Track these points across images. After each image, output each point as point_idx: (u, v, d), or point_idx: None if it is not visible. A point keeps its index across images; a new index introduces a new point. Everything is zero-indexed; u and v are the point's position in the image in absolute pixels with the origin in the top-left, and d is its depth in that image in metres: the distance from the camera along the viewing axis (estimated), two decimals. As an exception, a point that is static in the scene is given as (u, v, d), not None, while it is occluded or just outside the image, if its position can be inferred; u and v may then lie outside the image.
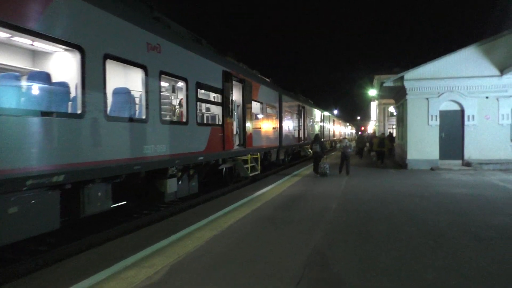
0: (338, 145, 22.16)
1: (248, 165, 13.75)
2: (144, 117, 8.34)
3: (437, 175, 16.54)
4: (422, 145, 19.23)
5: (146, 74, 8.37)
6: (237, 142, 14.54)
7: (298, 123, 26.09)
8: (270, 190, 12.94)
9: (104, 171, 7.07)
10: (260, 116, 16.97)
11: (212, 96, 13.00)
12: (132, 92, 8.35)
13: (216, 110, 13.05)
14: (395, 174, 17.70)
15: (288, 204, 10.33)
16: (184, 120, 10.16)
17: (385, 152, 23.30)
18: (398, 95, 23.43)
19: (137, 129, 8.07)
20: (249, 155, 14.00)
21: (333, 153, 36.38)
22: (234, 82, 14.00)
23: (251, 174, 13.97)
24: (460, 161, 18.95)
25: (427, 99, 19.16)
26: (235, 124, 14.30)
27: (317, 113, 37.03)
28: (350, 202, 10.56)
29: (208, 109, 13.24)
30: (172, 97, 10.53)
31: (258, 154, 15.05)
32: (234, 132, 14.40)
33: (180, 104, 10.75)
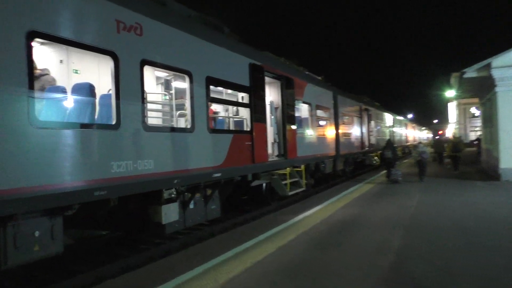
0: (413, 152, 20.87)
1: (287, 181, 10.99)
2: (113, 122, 6.00)
3: (546, 190, 12.48)
4: (521, 149, 15.04)
5: (116, 63, 6.05)
6: (275, 152, 11.84)
7: (361, 128, 22.68)
8: (316, 213, 10.06)
9: (30, 202, 4.78)
10: (307, 120, 14.11)
11: (235, 95, 10.51)
12: (93, 89, 6.07)
13: (242, 113, 10.49)
14: (485, 188, 13.80)
15: (332, 238, 7.42)
16: (188, 125, 7.71)
17: (460, 157, 20.95)
18: (483, 89, 19.17)
19: (99, 139, 5.74)
20: (288, 168, 11.23)
21: (405, 161, 32.11)
22: (268, 79, 11.37)
23: (291, 193, 11.19)
24: None
25: (525, 90, 15.00)
26: (271, 130, 11.63)
27: (386, 116, 33.09)
28: (421, 236, 7.37)
29: (229, 112, 10.76)
30: (167, 95, 8.13)
31: (302, 166, 12.21)
32: (272, 140, 11.73)
33: (180, 105, 8.32)
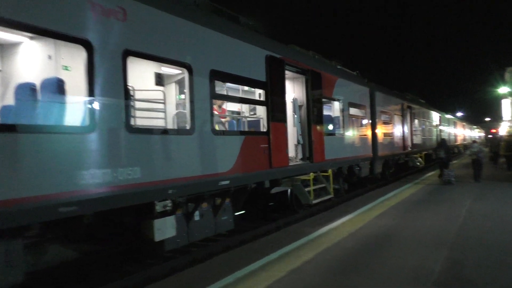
0: (468, 151, 20.36)
1: (311, 188, 9.73)
2: (86, 123, 5.08)
3: None
4: None
5: (90, 53, 5.14)
6: (299, 155, 10.62)
7: (403, 127, 20.85)
8: (344, 224, 8.77)
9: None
10: (338, 119, 12.75)
11: (248, 92, 9.42)
12: (61, 85, 5.17)
13: (257, 112, 9.39)
14: (549, 194, 11.86)
15: (357, 260, 6.14)
16: (187, 126, 6.70)
17: None
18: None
19: (65, 144, 4.82)
20: (311, 173, 9.94)
21: (454, 161, 29.65)
22: (290, 73, 10.20)
23: (315, 201, 9.91)
24: None
25: None
26: (294, 130, 10.42)
27: (433, 114, 30.78)
28: (470, 258, 5.93)
29: (241, 111, 9.67)
30: (160, 92, 7.10)
31: (330, 171, 10.87)
32: (295, 142, 10.53)
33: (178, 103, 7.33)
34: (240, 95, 9.36)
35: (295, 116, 10.54)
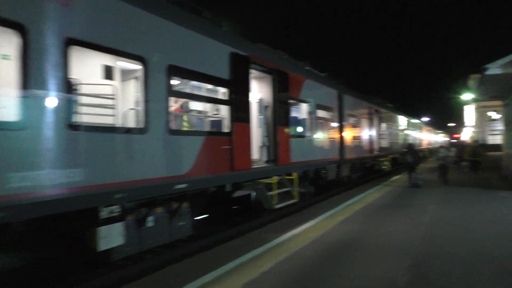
0: (435, 156, 21.61)
1: (274, 192, 9.38)
2: (17, 118, 4.49)
3: None
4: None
5: (25, 39, 4.56)
6: (264, 158, 10.23)
7: (371, 130, 20.91)
8: (307, 230, 8.45)
9: None
10: (305, 120, 12.46)
11: (210, 90, 8.99)
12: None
13: (219, 112, 8.94)
14: (509, 199, 11.96)
15: (317, 270, 5.80)
16: (139, 125, 6.18)
17: (480, 162, 20.83)
18: (506, 88, 17.28)
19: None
20: (275, 177, 9.59)
21: (421, 165, 30.11)
22: (257, 73, 9.80)
23: (278, 206, 9.57)
24: None
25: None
26: (259, 132, 10.05)
27: (399, 118, 31.20)
28: (435, 269, 5.70)
29: (204, 110, 9.21)
30: (109, 87, 6.52)
31: (294, 174, 10.55)
32: (259, 144, 10.14)
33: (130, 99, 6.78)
34: (202, 93, 8.89)
35: (261, 117, 10.15)
